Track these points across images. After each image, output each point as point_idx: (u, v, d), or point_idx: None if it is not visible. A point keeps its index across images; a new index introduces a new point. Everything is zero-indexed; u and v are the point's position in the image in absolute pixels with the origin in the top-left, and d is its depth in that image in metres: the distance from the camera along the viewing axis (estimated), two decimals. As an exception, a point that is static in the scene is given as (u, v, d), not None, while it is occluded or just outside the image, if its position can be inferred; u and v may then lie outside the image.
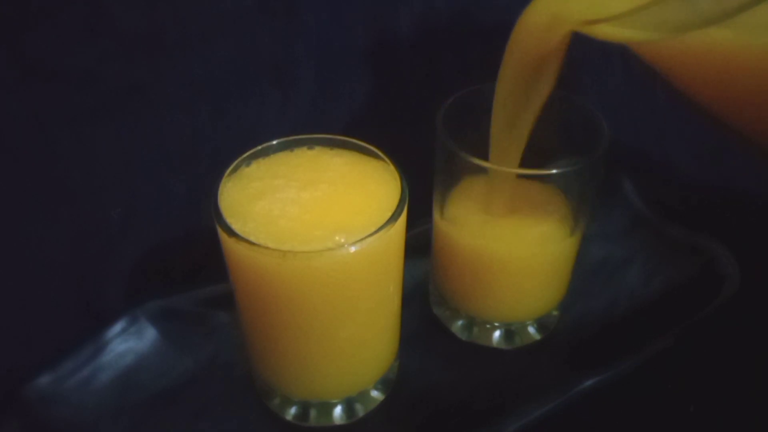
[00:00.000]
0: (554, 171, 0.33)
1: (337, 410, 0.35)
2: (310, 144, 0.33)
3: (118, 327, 0.37)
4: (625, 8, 0.23)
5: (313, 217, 0.29)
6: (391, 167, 0.31)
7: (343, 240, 0.28)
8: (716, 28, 0.21)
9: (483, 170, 0.35)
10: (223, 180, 0.30)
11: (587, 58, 0.44)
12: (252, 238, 0.27)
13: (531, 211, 0.37)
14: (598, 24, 0.25)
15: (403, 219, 0.30)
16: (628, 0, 0.24)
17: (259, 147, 0.32)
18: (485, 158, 0.34)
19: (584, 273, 0.41)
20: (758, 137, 0.26)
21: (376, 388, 0.36)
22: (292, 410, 0.35)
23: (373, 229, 0.28)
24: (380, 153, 0.32)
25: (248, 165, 0.32)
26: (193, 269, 0.41)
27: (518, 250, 0.36)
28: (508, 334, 0.39)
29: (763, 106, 0.24)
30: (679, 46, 0.24)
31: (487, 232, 0.37)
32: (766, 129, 0.25)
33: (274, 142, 0.32)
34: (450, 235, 0.37)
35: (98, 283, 0.40)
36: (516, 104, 0.32)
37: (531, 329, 0.39)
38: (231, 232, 0.28)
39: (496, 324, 0.39)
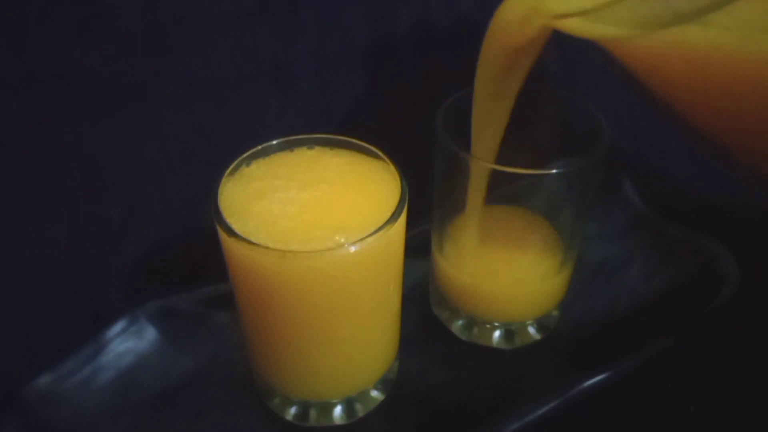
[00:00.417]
0: (554, 171, 0.34)
1: (337, 410, 0.35)
2: (310, 144, 0.33)
3: (118, 327, 0.37)
4: (598, 3, 0.22)
5: (313, 217, 0.29)
6: (391, 167, 0.31)
7: (343, 240, 0.28)
8: (689, 26, 0.21)
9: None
10: (223, 180, 0.30)
11: (587, 58, 0.44)
12: (252, 238, 0.27)
13: (524, 248, 0.38)
14: (570, 18, 0.25)
15: (403, 219, 0.30)
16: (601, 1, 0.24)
17: (259, 147, 0.32)
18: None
19: (584, 273, 0.41)
20: (728, 141, 0.25)
21: (376, 388, 0.36)
22: (292, 410, 0.35)
23: (373, 229, 0.28)
24: (380, 153, 0.32)
25: (248, 165, 0.32)
26: (193, 269, 0.41)
27: (513, 288, 0.38)
28: (508, 334, 0.39)
29: (735, 109, 0.24)
30: (652, 44, 0.23)
31: (482, 273, 0.38)
32: (738, 134, 0.25)
33: (274, 142, 0.32)
34: (448, 271, 0.38)
35: (98, 283, 0.40)
36: (492, 97, 0.32)
37: (531, 329, 0.39)
38: (231, 232, 0.28)
39: (496, 324, 0.39)
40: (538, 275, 0.38)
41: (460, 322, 0.40)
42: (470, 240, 0.38)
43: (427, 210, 0.38)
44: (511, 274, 0.38)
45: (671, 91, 0.25)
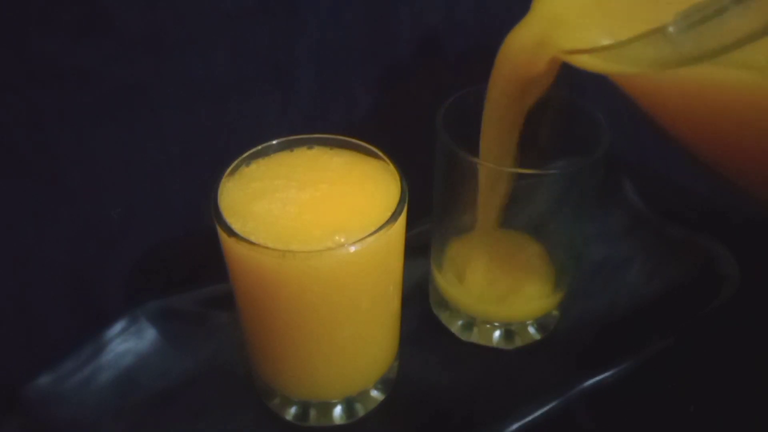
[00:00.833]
0: (554, 171, 0.34)
1: (337, 410, 0.35)
2: (310, 144, 0.33)
3: (118, 327, 0.37)
4: (606, 41, 0.23)
5: (313, 217, 0.29)
6: (391, 167, 0.31)
7: (343, 240, 0.28)
8: (696, 67, 0.21)
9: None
10: (223, 180, 0.30)
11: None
12: (252, 238, 0.27)
13: (521, 272, 0.39)
14: (579, 54, 0.25)
15: (403, 219, 0.30)
16: (609, 34, 0.24)
17: (259, 147, 0.32)
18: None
19: (584, 273, 0.41)
20: (734, 174, 0.25)
21: (376, 388, 0.36)
22: (292, 410, 0.35)
23: (373, 229, 0.28)
24: (380, 153, 0.32)
25: (248, 165, 0.32)
26: (193, 269, 0.41)
27: (511, 308, 0.38)
28: (508, 334, 0.39)
29: (739, 144, 0.24)
30: (660, 81, 0.24)
31: (479, 291, 0.38)
32: (742, 166, 0.25)
33: (274, 142, 0.32)
34: (446, 289, 0.39)
35: (98, 283, 0.40)
36: (502, 117, 0.33)
37: (531, 329, 0.39)
38: (231, 232, 0.28)
39: (496, 324, 0.39)
40: (536, 294, 0.38)
41: (460, 322, 0.40)
42: (469, 262, 0.39)
43: (427, 210, 0.38)
44: (508, 294, 0.38)
45: (677, 123, 0.26)
